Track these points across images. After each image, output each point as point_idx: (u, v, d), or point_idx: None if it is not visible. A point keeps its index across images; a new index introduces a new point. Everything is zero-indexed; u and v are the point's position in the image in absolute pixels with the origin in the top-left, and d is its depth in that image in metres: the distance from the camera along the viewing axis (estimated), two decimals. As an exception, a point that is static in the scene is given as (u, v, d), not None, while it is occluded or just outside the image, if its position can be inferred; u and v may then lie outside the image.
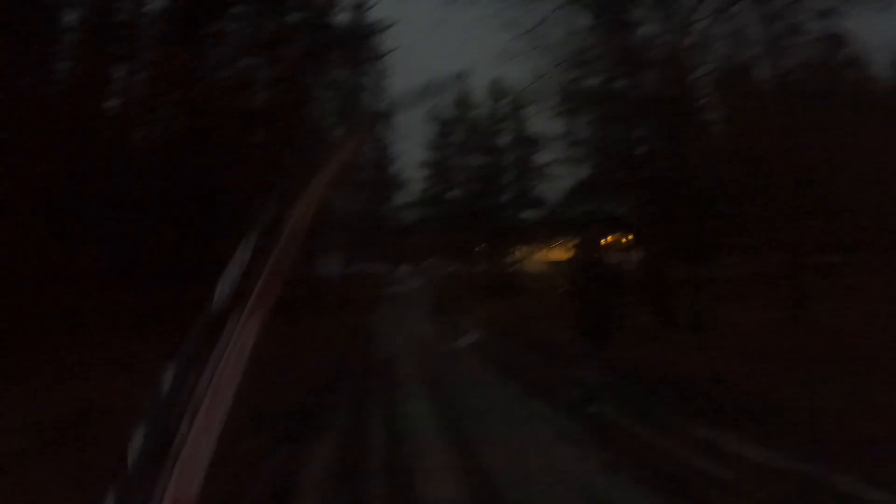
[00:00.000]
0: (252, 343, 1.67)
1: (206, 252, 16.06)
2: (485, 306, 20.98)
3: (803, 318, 11.13)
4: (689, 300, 11.75)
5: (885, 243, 14.51)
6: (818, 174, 13.00)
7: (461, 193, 33.87)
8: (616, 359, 8.60)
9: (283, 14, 20.90)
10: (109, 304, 11.78)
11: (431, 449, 4.96)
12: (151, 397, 1.46)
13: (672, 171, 12.97)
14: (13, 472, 4.49)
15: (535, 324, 14.21)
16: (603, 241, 27.50)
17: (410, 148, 39.57)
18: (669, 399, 6.49)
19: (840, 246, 15.42)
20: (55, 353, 8.98)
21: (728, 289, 14.08)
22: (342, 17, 23.94)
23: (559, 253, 30.30)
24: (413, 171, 36.31)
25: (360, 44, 25.69)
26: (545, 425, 5.56)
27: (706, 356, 8.35)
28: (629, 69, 14.47)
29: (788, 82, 12.68)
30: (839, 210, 12.77)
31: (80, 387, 7.20)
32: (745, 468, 4.20)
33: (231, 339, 1.64)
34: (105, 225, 12.68)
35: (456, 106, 34.35)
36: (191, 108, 16.68)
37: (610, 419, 5.74)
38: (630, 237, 28.79)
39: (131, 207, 13.59)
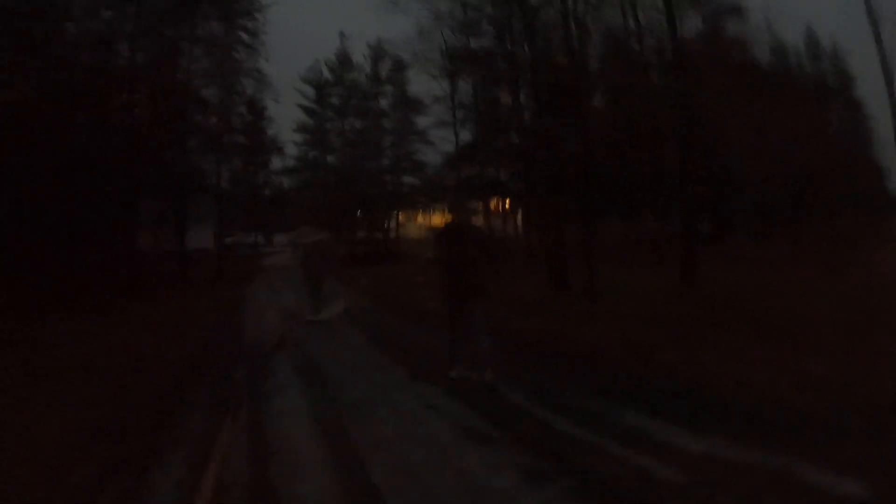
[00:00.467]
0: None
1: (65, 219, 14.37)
2: (362, 274, 20.02)
3: (695, 283, 10.98)
4: (583, 266, 11.27)
5: (762, 214, 14.92)
6: (705, 145, 12.91)
7: (339, 158, 32.41)
8: (512, 329, 7.93)
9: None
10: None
11: (302, 460, 3.88)
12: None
13: (556, 138, 12.46)
14: None
15: (411, 292, 13.37)
16: (478, 206, 27.18)
17: (285, 110, 37.22)
18: (581, 377, 5.74)
19: (723, 214, 15.67)
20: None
21: (616, 254, 13.88)
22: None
23: (439, 219, 29.83)
24: (288, 134, 34.24)
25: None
26: (437, 415, 4.64)
27: (608, 324, 7.77)
28: (517, 32, 13.79)
29: (681, 53, 12.42)
30: (723, 180, 12.77)
31: None
32: (693, 464, 3.45)
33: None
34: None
35: (333, 68, 32.67)
36: (46, 65, 14.58)
37: (517, 405, 4.90)
38: (507, 203, 28.68)
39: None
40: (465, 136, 26.17)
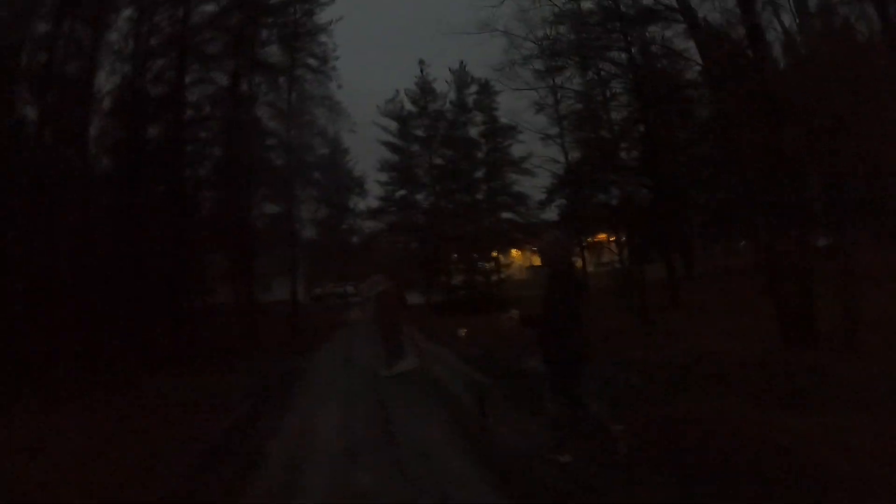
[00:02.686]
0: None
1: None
2: (459, 325, 16.46)
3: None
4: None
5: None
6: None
7: (428, 195, 29.18)
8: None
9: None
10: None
11: None
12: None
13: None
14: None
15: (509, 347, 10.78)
16: (583, 242, 22.82)
17: (365, 149, 34.47)
18: None
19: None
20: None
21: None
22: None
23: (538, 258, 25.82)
24: (372, 174, 31.28)
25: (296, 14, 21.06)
26: None
27: None
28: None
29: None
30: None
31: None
32: None
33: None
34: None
35: (415, 98, 29.59)
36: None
37: None
38: (613, 237, 23.85)
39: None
40: (569, 159, 22.63)
